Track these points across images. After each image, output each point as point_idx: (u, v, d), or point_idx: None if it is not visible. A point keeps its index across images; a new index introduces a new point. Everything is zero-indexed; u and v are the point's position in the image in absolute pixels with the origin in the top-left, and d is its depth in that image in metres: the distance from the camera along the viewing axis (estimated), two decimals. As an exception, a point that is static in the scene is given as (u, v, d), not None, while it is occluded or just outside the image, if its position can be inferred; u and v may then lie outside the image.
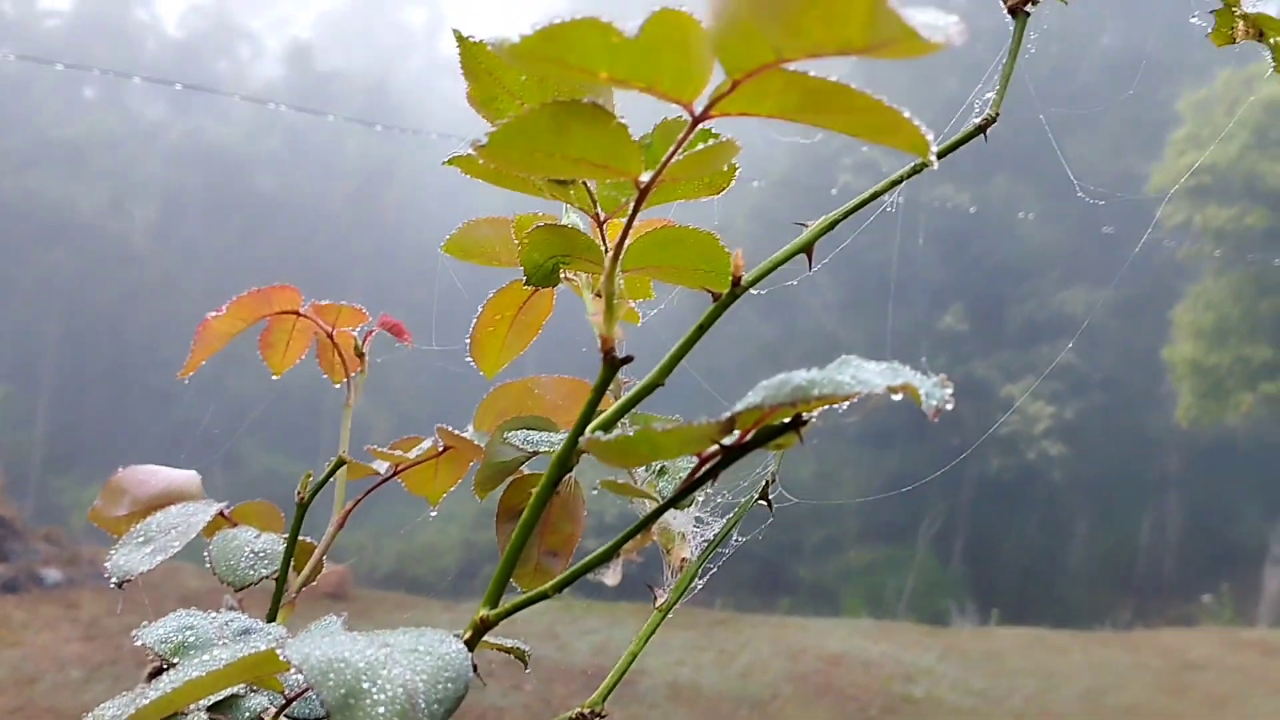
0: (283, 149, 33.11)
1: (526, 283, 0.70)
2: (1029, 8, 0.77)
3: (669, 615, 0.77)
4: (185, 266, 30.03)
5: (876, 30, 0.41)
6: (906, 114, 0.47)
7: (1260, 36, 0.76)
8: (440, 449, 0.87)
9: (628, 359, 0.65)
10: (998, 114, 0.74)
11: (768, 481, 0.79)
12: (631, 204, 0.61)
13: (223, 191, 31.34)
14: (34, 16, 36.98)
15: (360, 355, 0.91)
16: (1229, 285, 19.79)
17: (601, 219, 0.69)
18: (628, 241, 0.64)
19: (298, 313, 0.92)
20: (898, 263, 24.88)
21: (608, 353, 0.65)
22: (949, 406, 0.51)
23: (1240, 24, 0.76)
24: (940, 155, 0.69)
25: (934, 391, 0.52)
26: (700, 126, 0.52)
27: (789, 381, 0.54)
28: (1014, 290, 24.98)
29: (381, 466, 0.88)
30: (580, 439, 0.63)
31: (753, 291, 0.71)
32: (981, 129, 0.73)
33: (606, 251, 0.69)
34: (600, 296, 0.67)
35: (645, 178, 0.57)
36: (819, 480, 23.61)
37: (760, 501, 0.78)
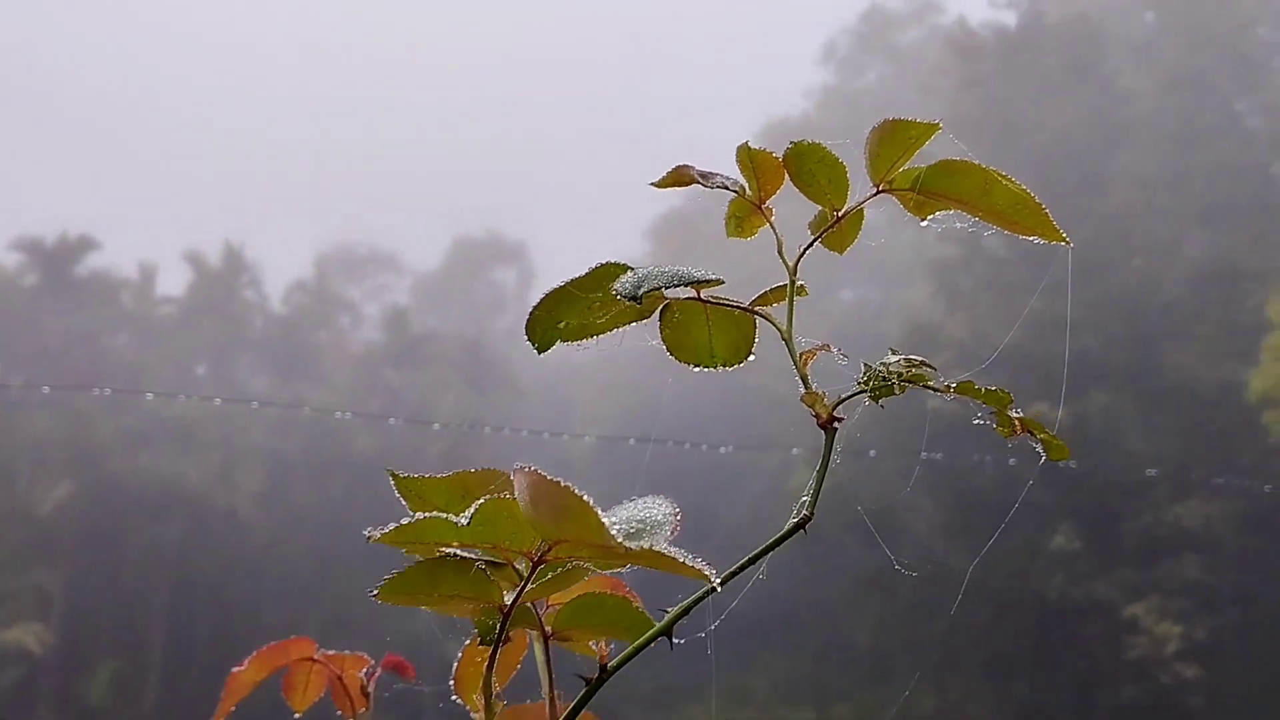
0: (382, 410, 34.08)
1: (480, 642, 0.86)
2: (835, 425, 0.95)
3: None
4: (289, 531, 30.53)
5: (605, 536, 0.66)
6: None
7: (1032, 434, 0.97)
8: None
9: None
10: (813, 514, 0.89)
11: None
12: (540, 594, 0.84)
13: (325, 455, 32.16)
14: (150, 304, 39.29)
15: (365, 694, 1.09)
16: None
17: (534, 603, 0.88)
18: (544, 613, 0.87)
19: (312, 659, 1.10)
20: (999, 484, 24.36)
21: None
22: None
23: (1016, 423, 0.96)
24: (769, 550, 0.89)
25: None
26: (545, 562, 0.78)
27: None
28: (1125, 506, 24.17)
29: None
30: None
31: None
32: (800, 525, 0.89)
33: (541, 612, 0.88)
34: (545, 665, 0.89)
35: (508, 601, 0.81)
36: (941, 715, 22.44)
37: None
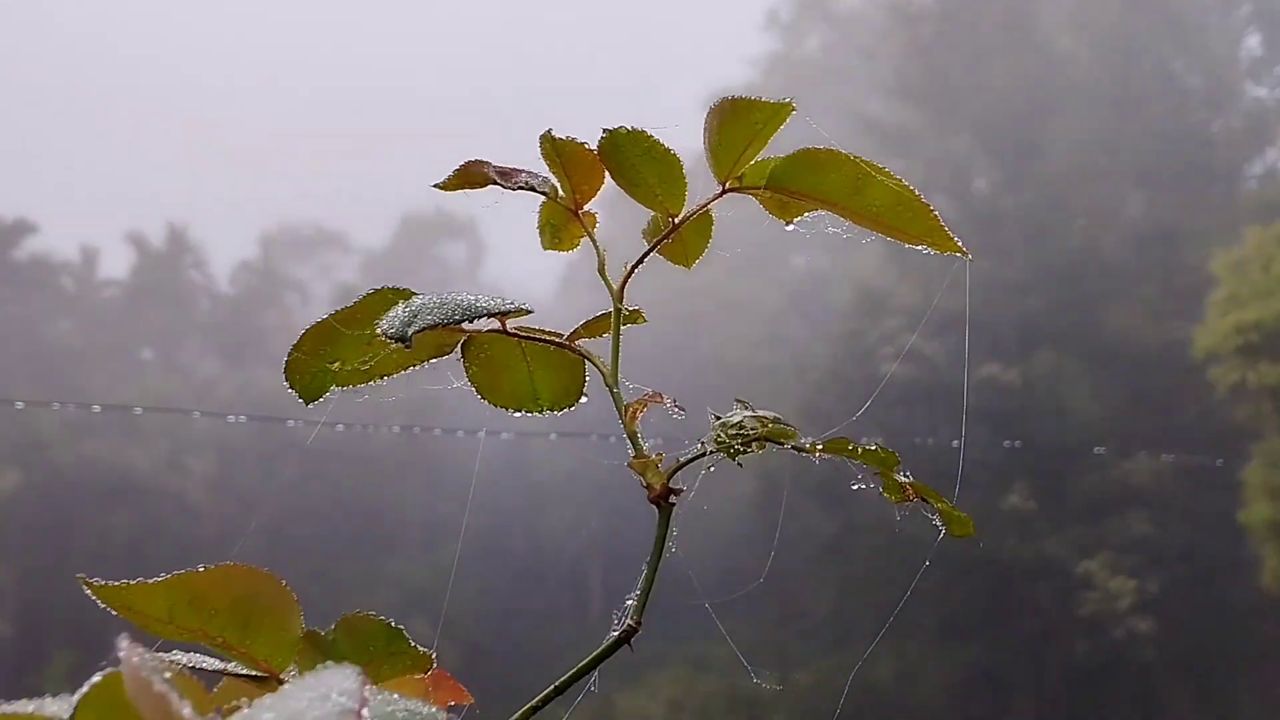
0: (333, 392, 33.76)
1: None
2: (673, 499, 0.78)
3: None
4: (242, 515, 30.25)
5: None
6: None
7: (926, 502, 0.81)
8: None
9: None
10: (638, 623, 0.76)
11: None
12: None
13: (276, 438, 31.87)
14: (92, 288, 38.63)
15: None
16: (1295, 440, 19.35)
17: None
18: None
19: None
20: (951, 444, 24.61)
21: None
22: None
23: (907, 489, 0.81)
24: (591, 667, 0.75)
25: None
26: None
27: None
28: (1074, 464, 24.55)
29: None
30: None
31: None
32: (623, 640, 0.76)
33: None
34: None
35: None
36: (899, 679, 22.74)
37: None
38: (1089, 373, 25.54)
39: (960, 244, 0.80)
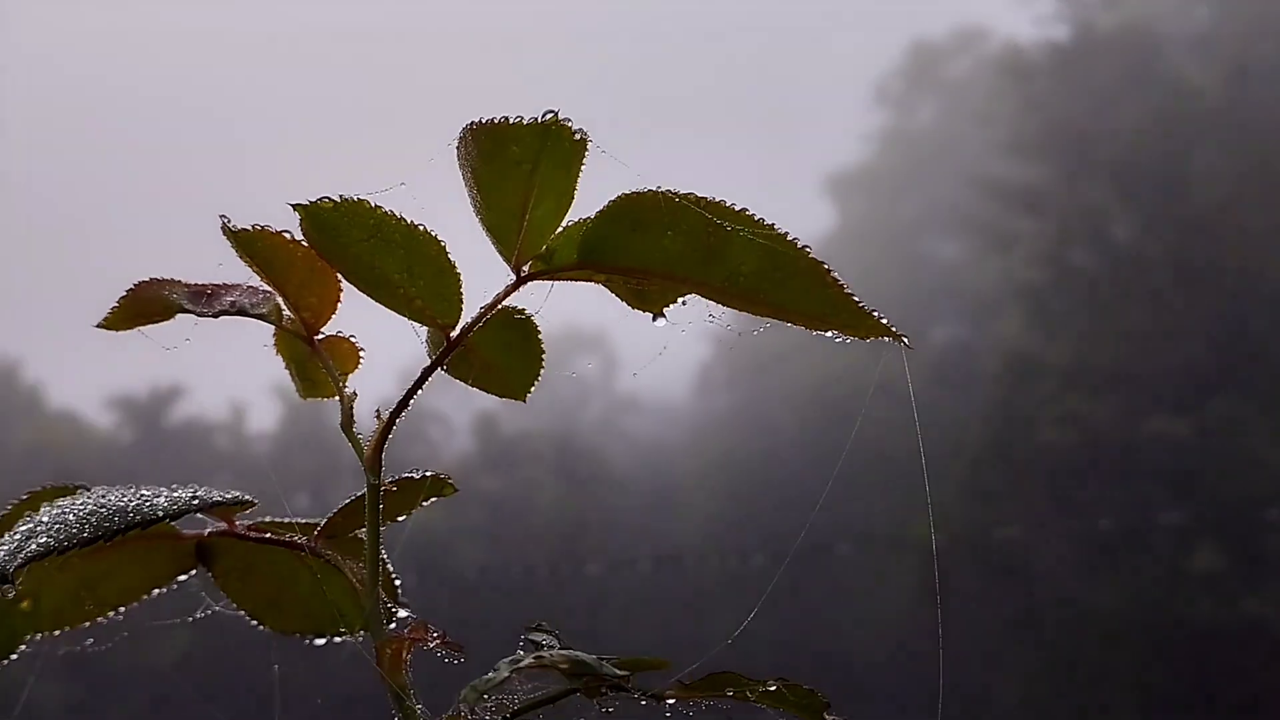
0: (482, 519, 34.08)
1: None
2: None
3: None
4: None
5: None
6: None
7: None
8: None
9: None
10: None
11: None
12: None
13: (431, 573, 32.18)
14: (244, 442, 40.03)
15: None
16: None
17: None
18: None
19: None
20: (1128, 508, 23.40)
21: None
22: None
23: None
24: None
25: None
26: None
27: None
28: (1266, 516, 23.01)
29: None
30: None
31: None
32: None
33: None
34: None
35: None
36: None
37: None
38: (1270, 415, 24.09)
39: (886, 322, 0.51)
